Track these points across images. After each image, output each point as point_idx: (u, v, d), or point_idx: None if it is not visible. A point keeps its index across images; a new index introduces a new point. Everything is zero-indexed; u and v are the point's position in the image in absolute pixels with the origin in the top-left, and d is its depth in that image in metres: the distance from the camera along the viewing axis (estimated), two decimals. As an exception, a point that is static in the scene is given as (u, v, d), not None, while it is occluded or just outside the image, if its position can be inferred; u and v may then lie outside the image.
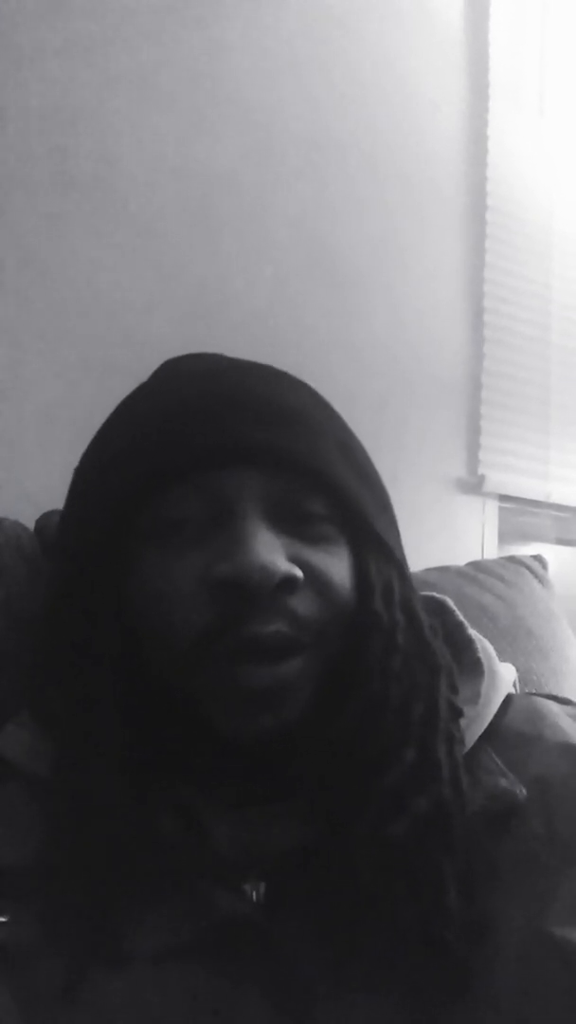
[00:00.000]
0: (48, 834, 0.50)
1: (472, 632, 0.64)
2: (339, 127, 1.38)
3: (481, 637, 0.64)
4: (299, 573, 0.50)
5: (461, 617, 0.65)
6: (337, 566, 0.53)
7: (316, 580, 0.52)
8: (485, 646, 0.63)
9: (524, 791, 0.53)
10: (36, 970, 0.48)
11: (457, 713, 0.55)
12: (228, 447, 0.52)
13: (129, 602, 0.53)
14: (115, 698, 0.52)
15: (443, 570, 1.07)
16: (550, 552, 1.43)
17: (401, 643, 0.54)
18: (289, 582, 0.50)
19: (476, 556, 1.42)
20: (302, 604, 0.51)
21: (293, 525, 0.53)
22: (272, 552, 0.50)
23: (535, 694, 0.67)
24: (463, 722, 0.55)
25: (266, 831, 0.52)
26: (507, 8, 1.62)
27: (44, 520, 0.81)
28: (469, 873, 0.49)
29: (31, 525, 0.82)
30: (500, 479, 1.51)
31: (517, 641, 0.97)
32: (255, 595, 0.49)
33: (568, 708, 0.62)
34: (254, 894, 0.50)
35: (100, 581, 0.53)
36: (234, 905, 0.49)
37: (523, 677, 0.89)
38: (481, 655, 0.61)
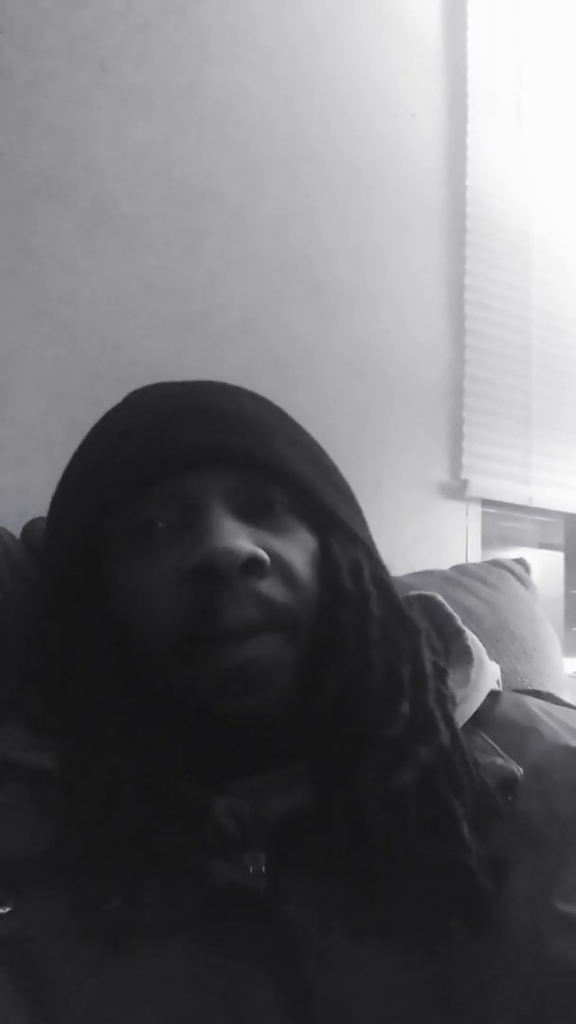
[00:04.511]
0: (62, 820, 0.52)
1: (461, 624, 0.67)
2: (319, 137, 1.40)
3: (469, 631, 0.66)
4: (264, 555, 0.53)
5: (450, 609, 0.68)
6: (299, 552, 0.57)
7: (281, 566, 0.55)
8: (473, 637, 0.66)
9: (520, 769, 0.54)
10: (45, 956, 0.48)
11: (442, 671, 0.58)
12: (189, 452, 0.56)
13: (114, 604, 0.55)
14: (113, 690, 0.54)
15: (427, 574, 1.07)
16: (533, 556, 1.44)
17: (376, 612, 0.57)
18: (255, 563, 0.52)
19: (460, 560, 1.42)
20: (270, 589, 0.54)
21: (256, 516, 0.56)
22: (236, 536, 0.53)
23: (519, 690, 0.68)
24: (458, 693, 0.58)
25: (264, 801, 0.53)
26: (484, 17, 1.64)
27: (30, 526, 0.81)
28: (479, 817, 0.51)
29: (17, 532, 0.82)
30: (483, 483, 1.51)
31: (501, 643, 0.98)
32: (224, 578, 0.51)
33: (553, 708, 0.63)
34: (255, 865, 0.51)
35: (84, 586, 0.57)
36: (235, 876, 0.50)
37: (508, 678, 0.90)
38: (470, 643, 0.64)
